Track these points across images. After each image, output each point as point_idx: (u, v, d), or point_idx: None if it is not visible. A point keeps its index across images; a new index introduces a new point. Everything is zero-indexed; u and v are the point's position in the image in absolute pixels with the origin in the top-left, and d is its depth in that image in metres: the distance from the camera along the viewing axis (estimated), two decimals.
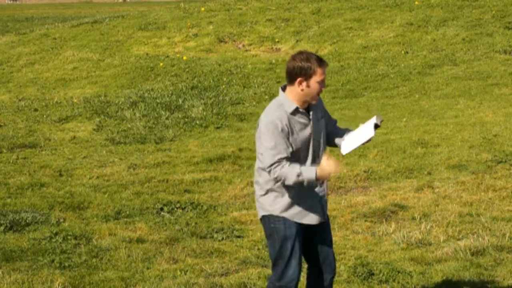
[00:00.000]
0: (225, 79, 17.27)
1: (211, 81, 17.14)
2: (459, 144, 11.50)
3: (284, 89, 5.58)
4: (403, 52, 17.97)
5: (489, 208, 9.02)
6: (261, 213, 5.69)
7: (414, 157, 11.04)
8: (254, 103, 15.56)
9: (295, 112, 5.50)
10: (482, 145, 11.31)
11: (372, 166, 10.72)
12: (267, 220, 5.67)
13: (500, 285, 6.99)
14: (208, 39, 20.38)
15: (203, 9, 22.86)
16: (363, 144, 5.62)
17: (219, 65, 18.39)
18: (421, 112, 13.81)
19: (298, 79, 5.46)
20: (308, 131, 5.55)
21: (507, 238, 7.97)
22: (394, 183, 10.15)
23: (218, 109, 14.97)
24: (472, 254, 7.63)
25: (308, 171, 5.42)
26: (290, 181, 5.45)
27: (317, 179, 5.43)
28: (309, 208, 5.63)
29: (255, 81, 17.05)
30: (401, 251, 7.85)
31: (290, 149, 5.48)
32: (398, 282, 7.07)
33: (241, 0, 23.69)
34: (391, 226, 8.56)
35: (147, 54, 19.73)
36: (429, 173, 10.39)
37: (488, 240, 7.88)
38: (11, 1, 70.45)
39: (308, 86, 5.47)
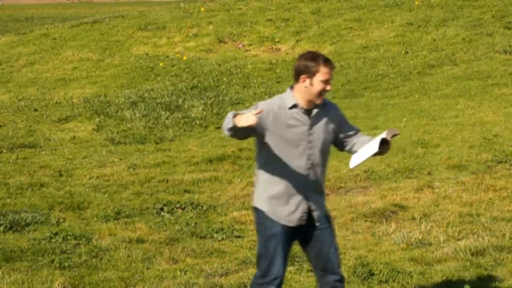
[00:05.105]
0: (225, 79, 17.27)
1: (211, 81, 17.13)
2: (459, 144, 11.50)
3: (292, 88, 5.64)
4: (403, 52, 17.96)
5: (489, 208, 9.02)
6: (253, 203, 5.79)
7: (414, 157, 11.04)
8: (254, 103, 15.51)
9: (293, 107, 5.55)
10: (482, 145, 11.31)
11: (372, 166, 10.71)
12: (256, 213, 5.74)
13: (500, 285, 6.99)
14: (208, 39, 20.37)
15: (203, 9, 22.86)
16: (370, 157, 5.61)
17: (219, 65, 18.39)
18: (421, 112, 13.81)
19: (302, 76, 5.52)
20: (302, 129, 5.56)
21: (507, 238, 7.98)
22: (394, 183, 10.15)
23: (218, 109, 14.97)
24: (472, 254, 7.64)
25: (231, 118, 5.36)
26: (225, 124, 5.42)
27: (234, 125, 5.34)
28: (289, 209, 5.64)
29: (255, 81, 17.05)
30: (401, 251, 7.86)
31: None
32: (398, 282, 7.07)
33: (241, 0, 23.68)
34: (391, 226, 8.56)
35: (147, 54, 19.72)
36: (429, 173, 10.40)
37: (488, 240, 7.88)
38: None
39: (311, 83, 5.51)
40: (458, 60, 16.98)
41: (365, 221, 8.86)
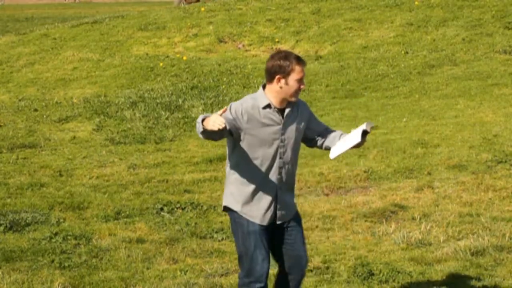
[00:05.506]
0: (225, 79, 17.27)
1: (211, 81, 17.14)
2: (459, 144, 11.50)
3: (264, 87, 5.64)
4: (403, 52, 17.96)
5: (489, 208, 9.03)
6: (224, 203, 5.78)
7: (414, 157, 11.04)
8: None
9: (266, 107, 5.56)
10: (482, 145, 11.31)
11: (372, 166, 10.72)
12: (229, 213, 5.75)
13: (500, 285, 6.99)
14: (208, 39, 20.37)
15: (203, 9, 22.86)
16: (350, 149, 5.70)
17: (219, 65, 18.39)
18: (421, 112, 13.81)
19: (277, 77, 5.53)
20: (275, 128, 5.58)
21: (507, 238, 7.98)
22: (394, 183, 10.15)
23: (218, 109, 14.95)
24: (472, 254, 7.64)
25: (200, 123, 5.35)
26: (197, 128, 5.41)
27: (204, 129, 5.33)
28: (262, 208, 5.65)
29: (255, 81, 17.05)
30: (401, 251, 7.86)
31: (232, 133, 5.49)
32: (398, 282, 7.07)
33: (241, 0, 23.68)
34: (391, 226, 8.56)
35: (147, 54, 19.72)
36: (429, 173, 10.40)
37: (488, 240, 7.88)
38: None
39: (286, 83, 5.53)
40: (458, 60, 16.98)
41: (365, 221, 8.86)
